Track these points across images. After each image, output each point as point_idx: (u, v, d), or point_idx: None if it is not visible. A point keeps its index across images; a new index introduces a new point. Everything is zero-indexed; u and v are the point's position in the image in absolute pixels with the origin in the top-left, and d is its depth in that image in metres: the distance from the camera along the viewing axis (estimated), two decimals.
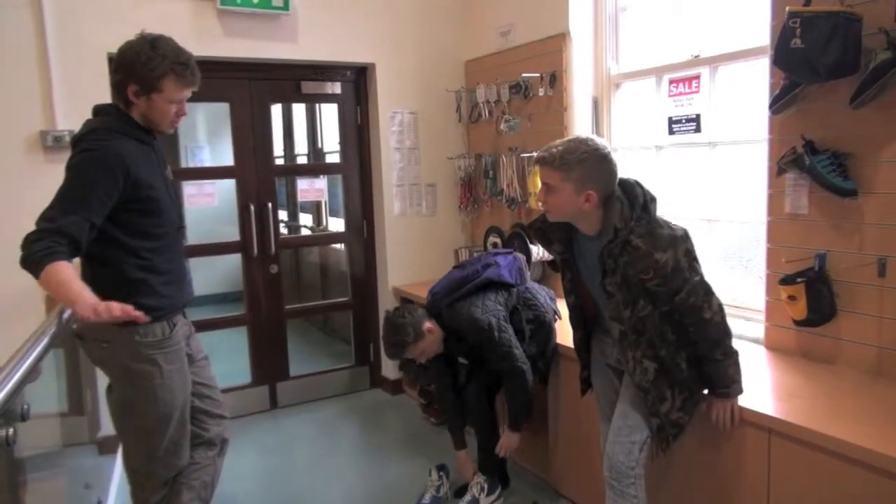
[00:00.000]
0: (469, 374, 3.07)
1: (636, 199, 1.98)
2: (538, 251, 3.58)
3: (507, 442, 2.86)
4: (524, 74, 3.74)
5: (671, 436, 2.10)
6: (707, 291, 2.01)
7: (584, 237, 2.10)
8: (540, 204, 2.12)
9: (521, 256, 3.10)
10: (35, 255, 1.79)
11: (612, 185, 2.00)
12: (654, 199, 2.03)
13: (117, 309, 1.77)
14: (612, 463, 2.11)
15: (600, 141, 2.01)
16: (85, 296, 1.79)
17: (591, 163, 1.95)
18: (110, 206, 1.94)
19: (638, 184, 2.03)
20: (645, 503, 2.13)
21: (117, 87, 2.04)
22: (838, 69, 2.15)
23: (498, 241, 4.11)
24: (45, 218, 1.87)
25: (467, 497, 2.88)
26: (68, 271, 1.81)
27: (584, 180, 1.95)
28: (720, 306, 2.03)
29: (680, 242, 1.96)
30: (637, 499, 2.10)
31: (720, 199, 3.03)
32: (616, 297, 2.02)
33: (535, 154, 3.63)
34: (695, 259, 2.00)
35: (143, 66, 1.98)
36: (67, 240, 1.84)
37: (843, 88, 2.23)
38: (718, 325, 2.02)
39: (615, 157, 2.03)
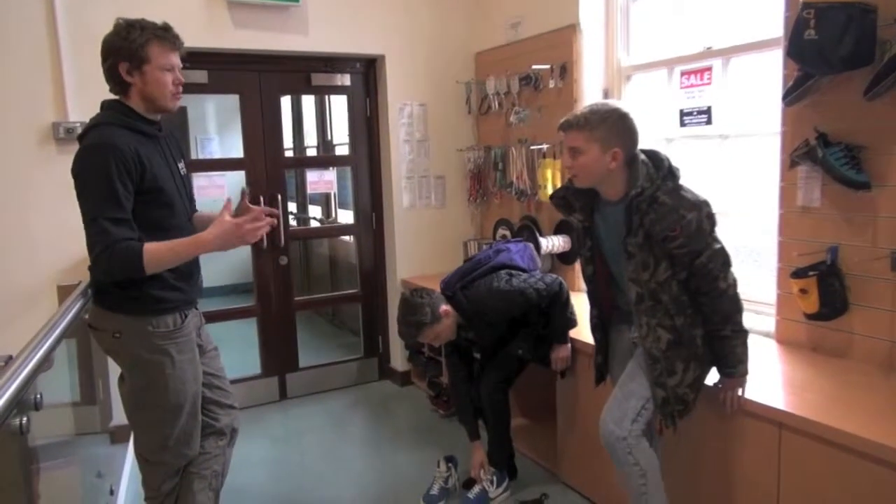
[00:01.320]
0: (482, 367, 3.08)
1: (661, 163, 2.04)
2: (548, 243, 3.58)
3: (560, 353, 2.82)
4: (534, 66, 3.72)
5: (676, 412, 2.09)
6: (725, 262, 2.03)
7: (606, 203, 2.13)
8: (567, 170, 2.16)
9: (531, 245, 3.10)
10: (125, 264, 1.91)
11: (635, 144, 2.06)
12: (678, 168, 2.07)
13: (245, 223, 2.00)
14: (603, 431, 2.12)
15: (620, 102, 2.06)
16: (204, 239, 2.01)
17: (613, 120, 2.02)
18: (132, 196, 1.97)
19: (663, 154, 2.09)
20: (652, 466, 2.09)
21: (110, 73, 2.04)
22: (852, 61, 2.13)
23: (507, 233, 4.11)
24: (99, 233, 1.90)
25: (476, 489, 2.89)
26: (159, 244, 1.97)
27: (609, 138, 2.01)
28: (735, 281, 2.05)
29: (703, 206, 1.99)
30: (637, 466, 2.07)
31: (731, 192, 3.01)
32: (637, 257, 2.03)
33: (545, 146, 3.65)
34: (716, 226, 2.03)
35: (125, 40, 2.00)
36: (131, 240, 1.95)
37: (857, 80, 2.21)
38: (732, 298, 2.04)
39: (635, 116, 2.08)
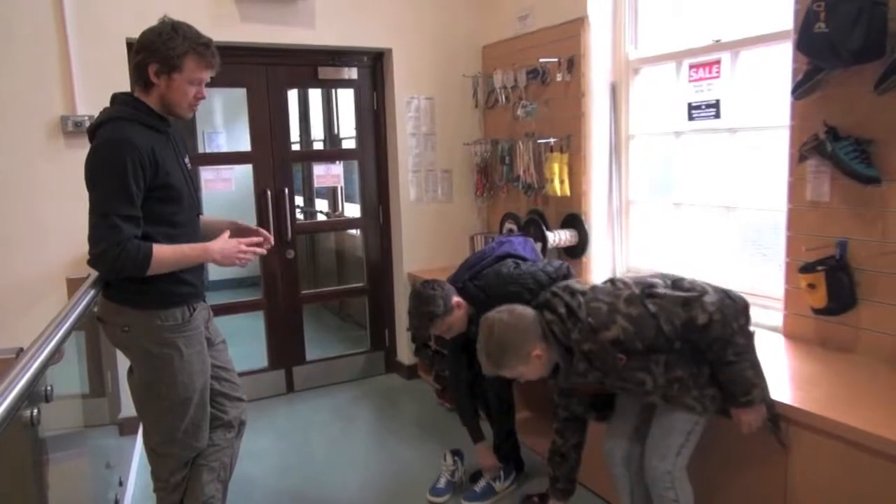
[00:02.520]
0: None
1: (565, 310, 2.03)
2: (554, 237, 3.58)
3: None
4: (542, 59, 3.71)
5: (720, 409, 2.02)
6: (685, 301, 1.90)
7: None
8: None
9: (532, 239, 3.09)
10: (132, 263, 1.95)
11: (535, 331, 2.05)
12: (576, 293, 2.06)
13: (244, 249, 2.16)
14: (648, 467, 2.11)
15: (494, 320, 2.09)
16: (212, 249, 2.13)
17: (508, 345, 2.04)
18: (143, 195, 1.98)
19: (554, 294, 2.09)
20: (688, 502, 2.11)
21: (138, 67, 2.04)
22: (863, 54, 2.11)
23: (514, 227, 4.10)
24: (109, 228, 1.92)
25: (482, 482, 2.90)
26: (166, 247, 2.02)
27: (520, 354, 2.04)
28: (717, 303, 1.88)
29: (619, 304, 1.95)
30: (676, 502, 2.08)
31: (740, 186, 3.00)
32: (629, 382, 2.02)
33: (552, 140, 3.64)
34: (645, 295, 1.95)
35: (164, 45, 2.00)
36: (138, 239, 1.98)
37: (867, 74, 2.20)
38: (720, 322, 1.87)
39: (514, 314, 2.09)
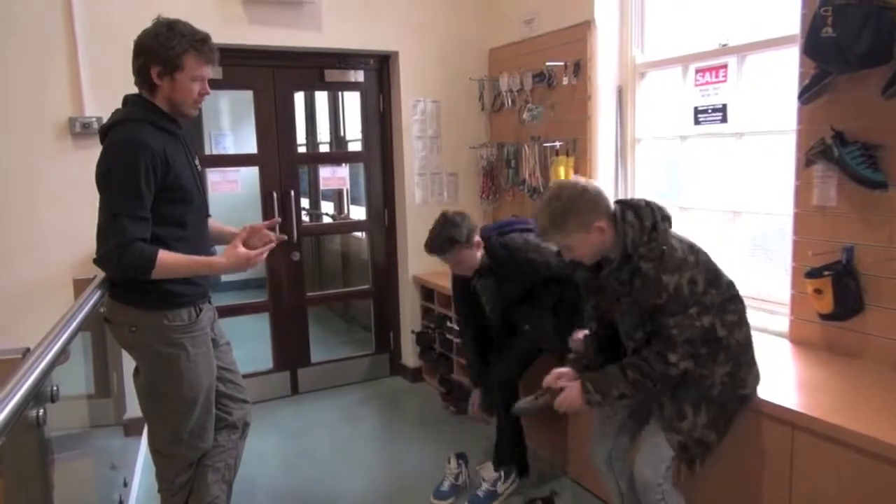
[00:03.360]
0: (495, 350, 3.07)
1: (644, 221, 1.97)
2: None
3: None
4: (548, 63, 3.71)
5: (696, 456, 2.02)
6: (691, 342, 1.93)
7: (607, 261, 2.09)
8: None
9: None
10: (137, 265, 1.96)
11: (606, 207, 2.00)
12: (666, 218, 2.01)
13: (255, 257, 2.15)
14: (639, 478, 2.09)
15: (567, 182, 2.06)
16: (218, 263, 2.15)
17: (573, 206, 1.98)
18: (153, 196, 2.00)
19: (648, 204, 2.02)
20: None
21: (140, 72, 2.06)
22: (870, 58, 2.11)
23: None
24: (118, 229, 1.93)
25: (484, 486, 2.90)
26: (173, 255, 2.03)
27: (582, 222, 1.97)
28: (685, 372, 1.95)
29: (686, 269, 1.93)
30: None
31: (746, 191, 2.99)
32: (627, 316, 2.03)
33: (558, 144, 3.64)
34: (703, 292, 1.95)
35: (162, 46, 2.01)
36: (146, 240, 1.99)
37: (874, 78, 2.19)
38: (664, 376, 1.95)
39: (590, 184, 2.05)
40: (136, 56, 2.06)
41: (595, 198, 2.00)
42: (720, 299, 2.00)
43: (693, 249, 1.99)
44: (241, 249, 2.16)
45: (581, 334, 2.44)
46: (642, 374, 1.97)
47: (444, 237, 2.73)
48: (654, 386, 1.98)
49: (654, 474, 2.04)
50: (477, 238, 2.77)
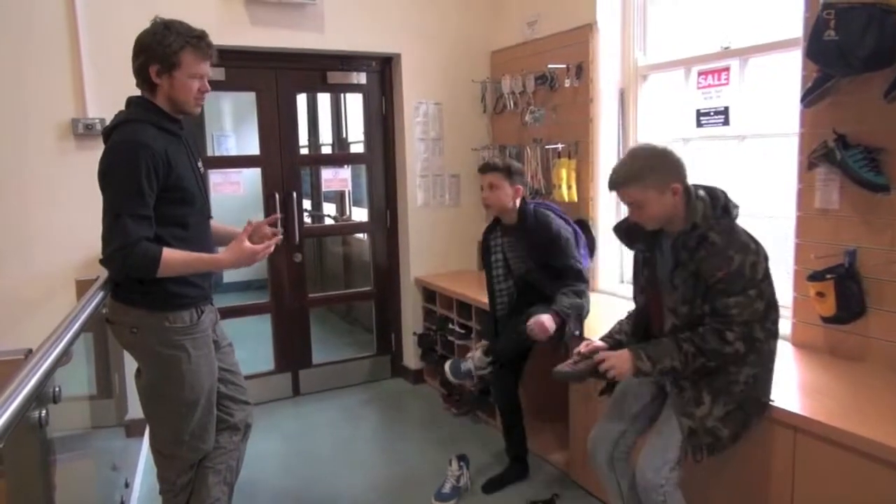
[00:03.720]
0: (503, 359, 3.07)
1: (717, 201, 2.03)
2: None
3: (545, 320, 2.70)
4: (550, 65, 3.71)
5: (704, 445, 2.02)
6: (748, 322, 1.95)
7: (667, 235, 2.13)
8: (635, 220, 2.16)
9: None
10: (141, 264, 1.96)
11: (685, 174, 2.05)
12: (736, 206, 2.06)
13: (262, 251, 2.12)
14: (641, 477, 2.09)
15: (650, 143, 2.11)
16: (224, 259, 2.15)
17: (656, 163, 2.04)
18: (155, 196, 2.00)
19: (721, 190, 2.08)
20: None
21: (140, 71, 2.07)
22: (873, 61, 2.11)
23: None
24: (121, 229, 1.94)
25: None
26: (177, 253, 2.03)
27: (662, 179, 2.01)
28: (741, 352, 1.96)
29: (751, 252, 1.96)
30: None
31: (748, 194, 2.98)
32: (680, 290, 2.04)
33: (560, 146, 3.64)
34: (762, 280, 1.97)
35: (159, 44, 2.02)
36: (150, 240, 1.99)
37: (876, 81, 2.19)
38: (718, 353, 1.96)
39: (673, 149, 2.08)
40: (136, 56, 2.07)
41: (676, 161, 2.06)
42: (765, 304, 2.00)
43: (757, 242, 2.02)
44: (247, 244, 2.13)
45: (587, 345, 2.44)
46: (697, 349, 1.98)
47: (507, 163, 2.97)
48: (706, 362, 1.99)
49: (656, 476, 2.04)
50: (519, 187, 2.94)
